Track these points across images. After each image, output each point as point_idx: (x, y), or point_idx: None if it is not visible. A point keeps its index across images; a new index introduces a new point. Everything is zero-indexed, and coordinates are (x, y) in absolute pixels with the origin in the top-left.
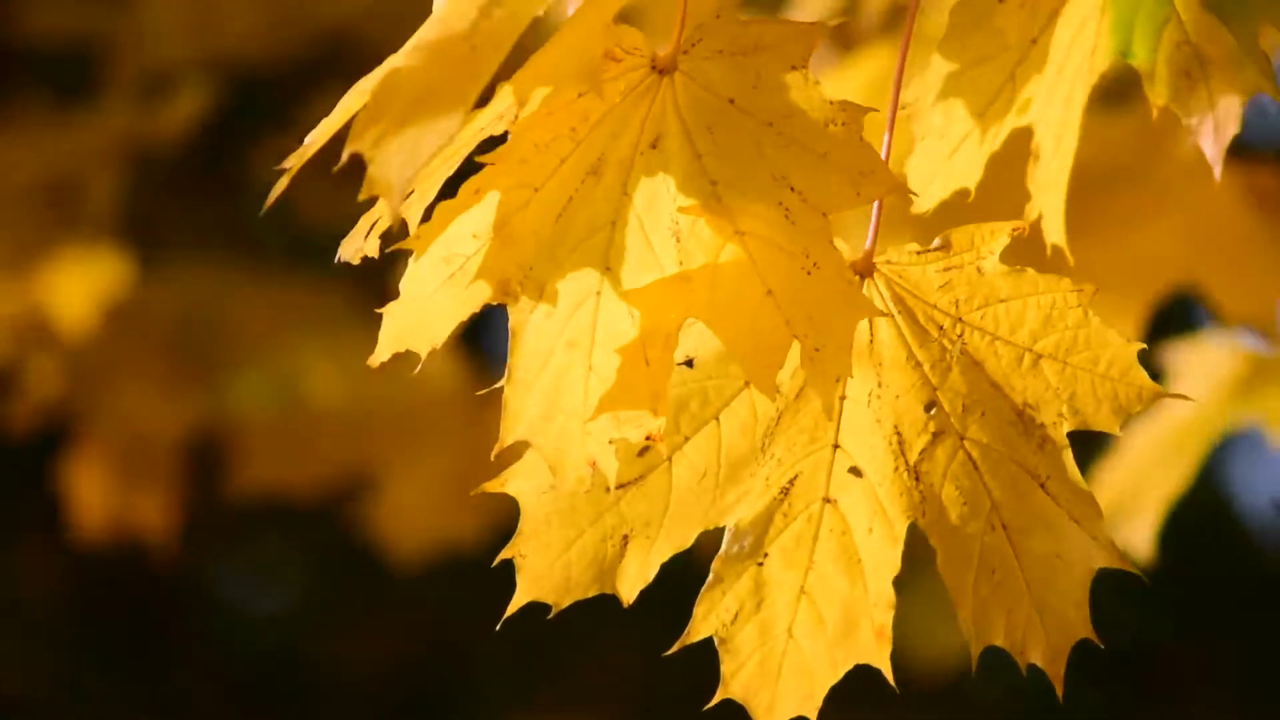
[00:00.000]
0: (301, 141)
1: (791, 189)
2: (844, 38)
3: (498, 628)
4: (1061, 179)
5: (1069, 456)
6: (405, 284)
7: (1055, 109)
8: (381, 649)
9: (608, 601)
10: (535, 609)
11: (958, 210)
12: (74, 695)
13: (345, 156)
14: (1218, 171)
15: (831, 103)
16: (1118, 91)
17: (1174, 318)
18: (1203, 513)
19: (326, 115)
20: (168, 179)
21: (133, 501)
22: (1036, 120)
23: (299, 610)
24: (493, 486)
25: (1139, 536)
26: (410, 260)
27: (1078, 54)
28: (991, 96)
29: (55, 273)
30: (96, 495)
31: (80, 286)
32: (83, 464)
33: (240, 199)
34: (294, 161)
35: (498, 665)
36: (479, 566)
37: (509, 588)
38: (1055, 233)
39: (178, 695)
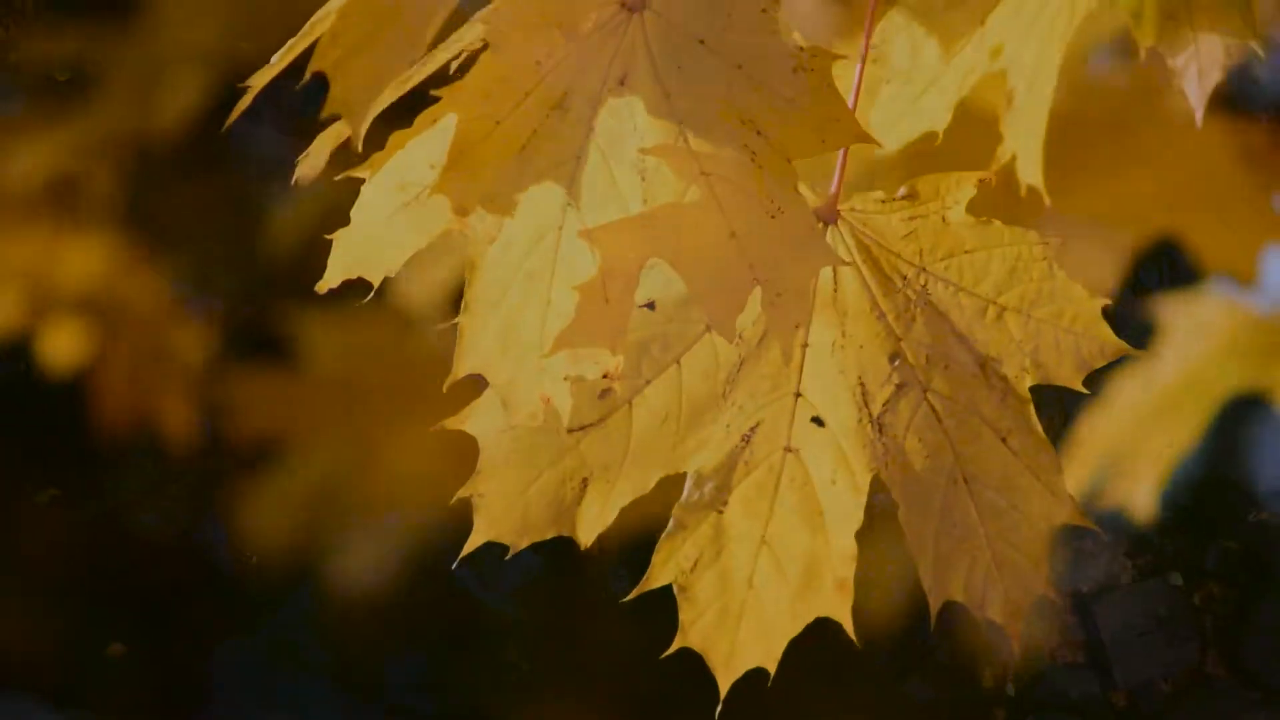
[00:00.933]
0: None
1: (758, 133)
2: None
3: (454, 566)
4: (1039, 124)
5: (1031, 411)
6: (356, 211)
7: (1030, 52)
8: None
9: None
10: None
11: (927, 156)
12: (72, 660)
13: (308, 75)
14: (1199, 117)
15: (802, 48)
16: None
17: (1162, 270)
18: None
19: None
20: (168, 169)
21: (153, 395)
22: (1010, 64)
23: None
24: (452, 424)
25: (1140, 493)
26: (362, 187)
27: None
28: (962, 40)
29: (60, 265)
30: (118, 388)
31: (85, 279)
32: (103, 364)
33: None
34: (257, 80)
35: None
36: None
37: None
38: (1032, 175)
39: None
